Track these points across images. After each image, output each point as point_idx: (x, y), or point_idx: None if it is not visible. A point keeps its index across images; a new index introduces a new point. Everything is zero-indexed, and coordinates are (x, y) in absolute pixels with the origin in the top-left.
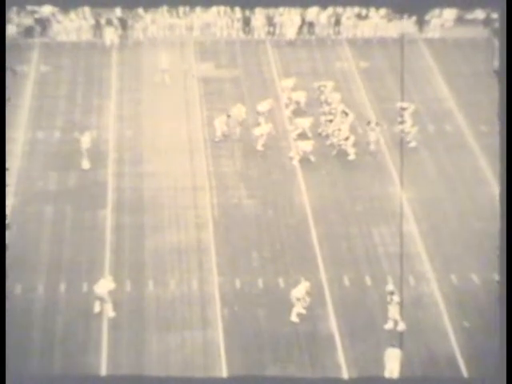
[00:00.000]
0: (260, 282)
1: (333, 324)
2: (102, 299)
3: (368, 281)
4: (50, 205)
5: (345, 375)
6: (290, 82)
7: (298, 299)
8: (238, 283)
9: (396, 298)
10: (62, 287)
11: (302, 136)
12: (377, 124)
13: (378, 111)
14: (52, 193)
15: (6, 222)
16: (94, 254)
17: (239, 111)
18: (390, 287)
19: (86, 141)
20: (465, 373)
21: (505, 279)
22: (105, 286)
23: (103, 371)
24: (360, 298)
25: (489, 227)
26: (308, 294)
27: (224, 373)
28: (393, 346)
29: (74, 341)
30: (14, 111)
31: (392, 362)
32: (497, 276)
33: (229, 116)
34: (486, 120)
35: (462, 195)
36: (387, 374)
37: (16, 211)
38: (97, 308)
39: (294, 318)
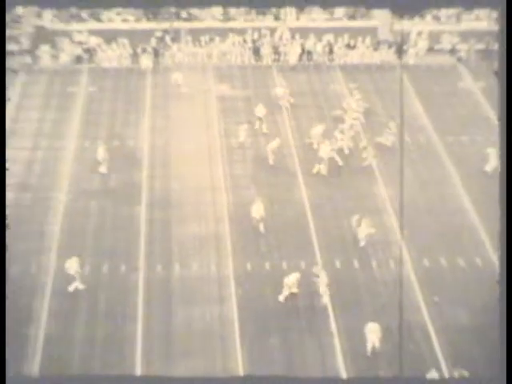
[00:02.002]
0: (267, 265)
1: (326, 299)
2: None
3: (356, 264)
4: (94, 201)
5: (336, 341)
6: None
7: (288, 286)
8: (248, 266)
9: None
10: (105, 269)
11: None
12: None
13: (364, 123)
14: (96, 191)
15: (6, 222)
16: (130, 242)
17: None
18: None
19: (100, 152)
20: (437, 345)
21: (505, 279)
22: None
23: (139, 336)
24: (349, 278)
25: (453, 219)
26: (298, 282)
27: (237, 339)
28: (372, 320)
29: (115, 310)
30: (66, 124)
31: (372, 336)
32: (462, 261)
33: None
34: (452, 131)
35: (432, 194)
36: (369, 346)
37: (67, 206)
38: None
39: (281, 298)
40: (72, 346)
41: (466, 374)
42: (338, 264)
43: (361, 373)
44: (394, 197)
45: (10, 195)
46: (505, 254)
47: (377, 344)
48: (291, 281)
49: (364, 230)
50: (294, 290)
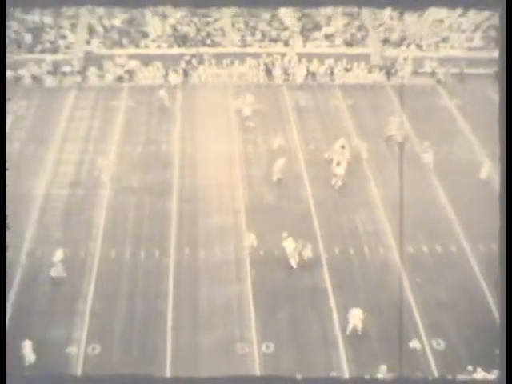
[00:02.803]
0: (277, 251)
1: (327, 281)
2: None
3: (351, 251)
4: (133, 197)
5: (334, 315)
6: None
7: (290, 254)
8: (261, 251)
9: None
10: (142, 254)
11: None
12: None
13: (359, 135)
14: (135, 188)
15: (6, 222)
16: (163, 230)
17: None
18: None
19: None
20: (418, 319)
21: (505, 279)
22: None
23: (169, 311)
24: (345, 263)
25: (427, 212)
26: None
27: (252, 313)
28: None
29: (150, 289)
30: (109, 132)
31: (354, 319)
32: (440, 248)
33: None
34: (432, 140)
35: (414, 191)
36: (350, 327)
37: (110, 201)
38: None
39: (293, 264)
40: (114, 320)
41: (442, 343)
42: (336, 250)
43: (353, 342)
44: (383, 194)
45: (63, 191)
46: (504, 253)
47: (359, 326)
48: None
49: (290, 246)
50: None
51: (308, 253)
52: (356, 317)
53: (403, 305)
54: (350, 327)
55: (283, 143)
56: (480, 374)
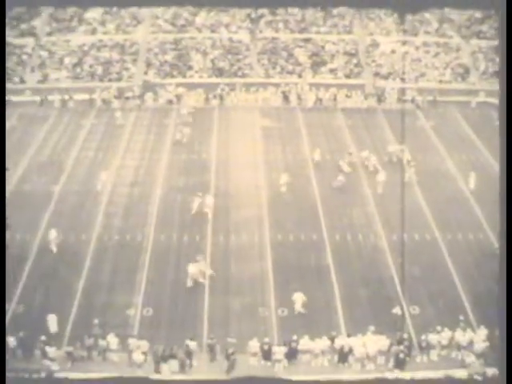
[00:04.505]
0: (291, 237)
1: (329, 260)
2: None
3: (348, 237)
4: (179, 194)
5: (336, 288)
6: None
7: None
8: (279, 237)
9: None
10: (185, 238)
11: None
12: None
13: (359, 147)
14: (181, 187)
15: (6, 222)
16: (202, 220)
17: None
18: None
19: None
20: (400, 290)
21: (505, 279)
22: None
23: (207, 282)
24: (345, 247)
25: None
26: None
27: (271, 284)
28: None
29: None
30: (162, 144)
31: (298, 300)
32: (417, 236)
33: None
34: (413, 152)
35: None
36: (296, 307)
37: (161, 198)
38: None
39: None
40: (164, 288)
41: (417, 309)
42: (337, 237)
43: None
44: (374, 195)
45: (124, 190)
46: (504, 251)
47: (299, 308)
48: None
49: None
50: None
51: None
52: (299, 298)
53: (388, 279)
54: (296, 308)
55: (296, 153)
56: (447, 333)
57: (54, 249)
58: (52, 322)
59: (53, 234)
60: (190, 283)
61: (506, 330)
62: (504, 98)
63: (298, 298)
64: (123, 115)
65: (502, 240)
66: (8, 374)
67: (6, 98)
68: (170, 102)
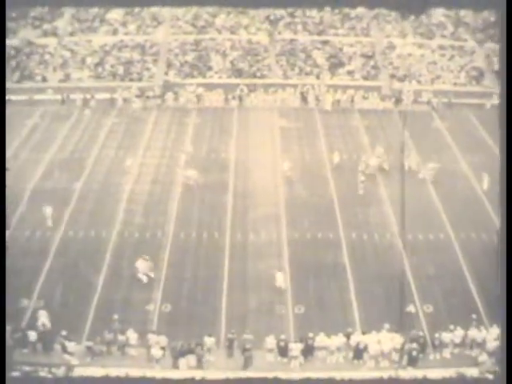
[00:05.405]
0: (308, 235)
1: (345, 258)
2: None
3: (365, 236)
4: (199, 192)
5: (351, 285)
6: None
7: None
8: (296, 235)
9: None
10: (205, 235)
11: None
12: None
13: (373, 148)
14: (201, 185)
15: (6, 222)
16: (221, 218)
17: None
18: None
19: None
20: (412, 284)
21: (505, 278)
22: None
23: (225, 280)
24: (360, 245)
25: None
26: None
27: (288, 279)
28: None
29: (210, 260)
30: (181, 142)
31: (279, 280)
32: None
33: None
34: (427, 153)
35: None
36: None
37: (182, 194)
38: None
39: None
40: (182, 285)
41: (431, 308)
42: (354, 236)
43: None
44: (391, 195)
45: (145, 187)
46: (505, 250)
47: (282, 285)
48: None
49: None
50: None
51: None
52: (281, 278)
53: (403, 278)
54: (277, 284)
55: (314, 153)
56: (460, 332)
57: (50, 223)
58: (44, 317)
59: (49, 210)
60: (144, 279)
61: (506, 329)
62: (504, 98)
63: (279, 277)
64: (144, 114)
65: (503, 242)
66: (26, 368)
67: (27, 96)
68: (190, 102)
